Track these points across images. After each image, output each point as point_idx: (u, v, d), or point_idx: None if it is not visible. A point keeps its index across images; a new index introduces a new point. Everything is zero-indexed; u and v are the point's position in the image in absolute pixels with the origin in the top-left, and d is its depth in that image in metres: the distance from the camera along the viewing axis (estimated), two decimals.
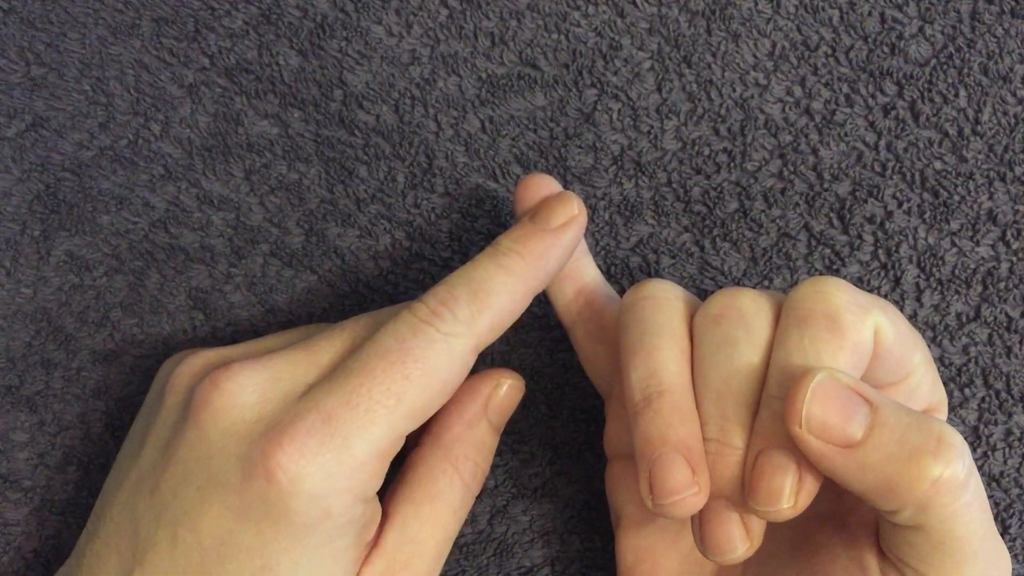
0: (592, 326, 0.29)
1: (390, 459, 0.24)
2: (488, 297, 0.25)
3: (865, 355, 0.23)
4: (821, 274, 0.31)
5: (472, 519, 0.31)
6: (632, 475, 0.28)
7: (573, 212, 0.26)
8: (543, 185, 0.27)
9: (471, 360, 0.25)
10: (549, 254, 0.26)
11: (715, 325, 0.24)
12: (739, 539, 0.22)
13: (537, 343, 0.32)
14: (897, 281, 0.31)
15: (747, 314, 0.23)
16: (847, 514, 0.25)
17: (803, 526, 0.26)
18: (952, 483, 0.20)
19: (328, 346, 0.25)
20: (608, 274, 0.32)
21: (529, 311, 0.32)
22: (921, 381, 0.25)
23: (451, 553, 0.31)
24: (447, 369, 0.24)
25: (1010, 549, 0.31)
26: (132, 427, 0.28)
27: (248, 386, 0.24)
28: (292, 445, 0.23)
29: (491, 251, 0.26)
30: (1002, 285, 0.31)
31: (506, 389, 0.28)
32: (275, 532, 0.23)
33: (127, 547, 0.24)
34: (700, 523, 0.23)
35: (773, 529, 0.26)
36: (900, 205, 0.31)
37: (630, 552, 0.27)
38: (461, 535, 0.31)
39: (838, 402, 0.21)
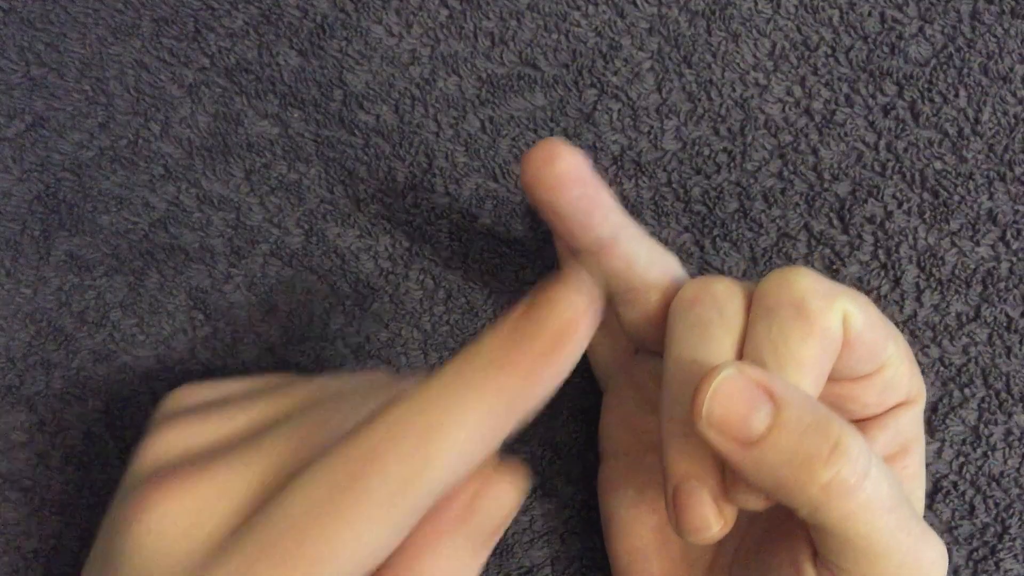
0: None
1: None
2: (445, 440, 0.18)
3: (834, 342, 0.22)
4: (821, 274, 0.31)
5: None
6: (625, 476, 0.28)
7: (575, 313, 0.20)
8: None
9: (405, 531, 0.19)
10: (541, 373, 0.19)
11: (689, 308, 0.23)
12: (713, 519, 0.22)
13: None
14: (897, 281, 0.31)
15: (720, 299, 0.23)
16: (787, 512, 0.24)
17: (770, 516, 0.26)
18: (841, 487, 0.20)
19: (286, 449, 0.21)
20: None
21: None
22: (897, 373, 0.24)
23: None
24: (365, 553, 0.19)
25: (1010, 549, 0.31)
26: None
27: (178, 512, 0.20)
28: None
29: (470, 356, 0.19)
30: (1002, 285, 0.31)
31: (498, 489, 0.21)
32: None
33: None
34: (674, 505, 0.22)
35: (746, 516, 0.26)
36: (900, 205, 0.31)
37: (623, 554, 0.27)
38: None
39: (740, 398, 0.20)
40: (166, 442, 0.23)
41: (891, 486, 0.21)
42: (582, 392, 0.31)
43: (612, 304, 0.26)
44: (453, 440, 0.18)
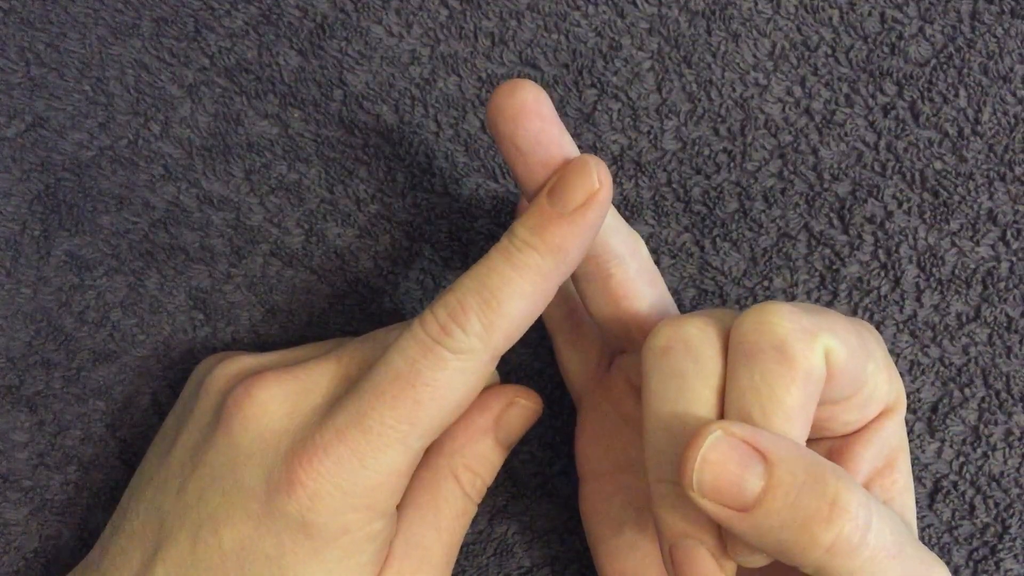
0: (571, 334, 0.29)
1: (409, 474, 0.24)
2: (501, 305, 0.23)
3: (818, 382, 0.22)
4: (821, 274, 0.31)
5: (472, 519, 0.31)
6: (606, 497, 0.27)
7: (593, 187, 0.23)
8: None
9: (487, 373, 0.24)
10: (569, 244, 0.23)
11: (662, 357, 0.23)
12: (713, 575, 0.22)
13: (537, 343, 0.32)
14: (897, 281, 0.31)
15: (695, 345, 0.22)
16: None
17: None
18: (845, 546, 0.20)
19: (357, 355, 0.25)
20: None
21: None
22: (876, 387, 0.24)
23: None
24: (460, 389, 0.24)
25: (1010, 549, 0.31)
26: (164, 425, 0.28)
27: (279, 396, 0.25)
28: (311, 464, 0.23)
29: (505, 246, 0.23)
30: (1002, 285, 0.31)
31: (519, 408, 0.27)
32: (294, 544, 0.23)
33: (150, 541, 0.25)
34: (672, 563, 0.22)
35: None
36: (900, 205, 0.31)
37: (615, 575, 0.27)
38: None
39: (730, 462, 0.20)
40: (238, 363, 0.27)
41: (893, 531, 0.20)
42: None
43: (577, 283, 0.26)
44: (510, 304, 0.23)
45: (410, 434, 0.23)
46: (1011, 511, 0.31)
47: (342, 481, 0.23)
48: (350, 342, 0.26)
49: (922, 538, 0.31)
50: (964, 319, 0.31)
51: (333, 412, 0.24)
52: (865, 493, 0.20)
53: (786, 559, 0.20)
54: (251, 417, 0.24)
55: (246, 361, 0.27)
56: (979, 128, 0.31)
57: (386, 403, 0.23)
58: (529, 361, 0.32)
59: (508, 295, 0.23)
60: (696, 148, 0.32)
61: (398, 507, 0.26)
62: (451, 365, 0.23)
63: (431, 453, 0.27)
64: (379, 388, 0.23)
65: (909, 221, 0.31)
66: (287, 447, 0.24)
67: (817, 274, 0.31)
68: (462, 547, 0.31)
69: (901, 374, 0.31)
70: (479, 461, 0.27)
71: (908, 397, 0.31)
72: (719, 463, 0.20)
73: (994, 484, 0.31)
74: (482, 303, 0.23)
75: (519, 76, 0.32)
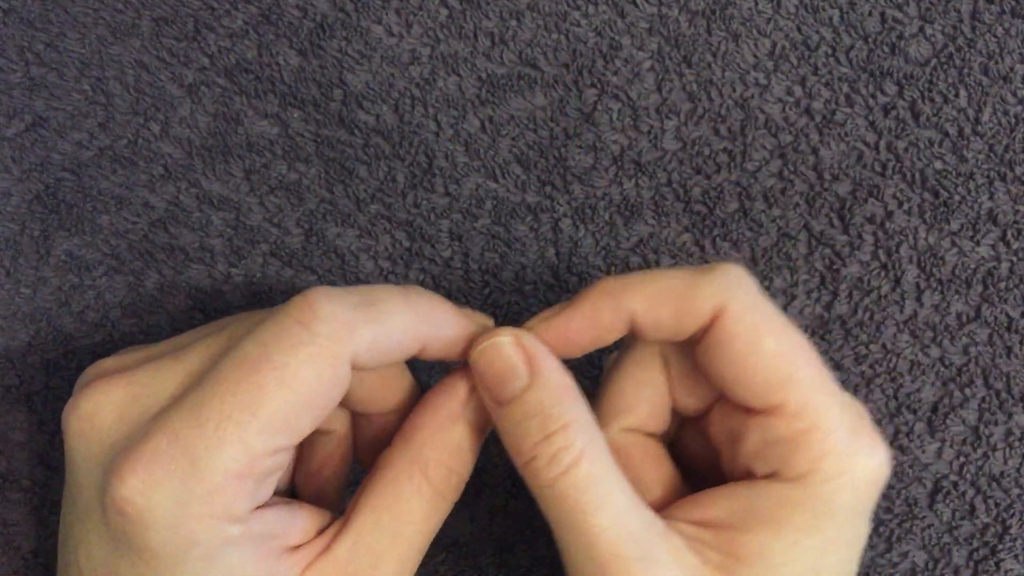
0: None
1: (262, 477, 0.22)
2: (379, 313, 0.23)
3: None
4: (821, 274, 0.31)
5: (472, 518, 0.31)
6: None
7: (488, 324, 0.25)
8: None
9: (344, 373, 0.22)
10: (453, 324, 0.24)
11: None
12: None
13: None
14: (897, 281, 0.31)
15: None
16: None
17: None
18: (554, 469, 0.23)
19: (201, 350, 0.23)
20: (608, 274, 0.32)
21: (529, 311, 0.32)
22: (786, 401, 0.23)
23: (451, 552, 0.31)
24: (312, 379, 0.21)
25: (1010, 549, 0.31)
26: None
27: (106, 405, 0.22)
28: (135, 476, 0.21)
29: (399, 286, 0.24)
30: (1002, 285, 0.31)
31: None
32: (146, 564, 0.21)
33: (62, 568, 0.24)
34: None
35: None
36: (900, 205, 0.31)
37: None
38: (460, 534, 0.31)
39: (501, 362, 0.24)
40: (96, 368, 0.25)
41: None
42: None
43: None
44: (388, 315, 0.23)
45: (250, 426, 0.21)
46: (1011, 511, 0.31)
47: (173, 490, 0.21)
48: (203, 332, 0.24)
49: (922, 538, 0.31)
50: (964, 319, 0.31)
51: (167, 413, 0.21)
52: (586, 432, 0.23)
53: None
54: (80, 432, 0.22)
55: (104, 364, 0.24)
56: (979, 128, 0.31)
57: (227, 389, 0.21)
58: None
59: (388, 308, 0.23)
60: (696, 148, 0.32)
61: (354, 508, 0.24)
62: (304, 351, 0.21)
63: (395, 451, 0.25)
64: (221, 375, 0.21)
65: (909, 221, 0.31)
66: (112, 461, 0.21)
67: (817, 274, 0.31)
68: (462, 546, 0.31)
69: (901, 374, 0.31)
70: (450, 452, 0.24)
71: (908, 397, 0.31)
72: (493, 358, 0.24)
73: (994, 484, 0.31)
74: (361, 301, 0.23)
75: (519, 76, 0.32)
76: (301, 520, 0.24)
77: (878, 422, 0.31)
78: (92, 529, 0.22)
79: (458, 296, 0.32)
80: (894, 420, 0.31)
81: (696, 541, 0.23)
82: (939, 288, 0.31)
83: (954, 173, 0.31)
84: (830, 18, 0.32)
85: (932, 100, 0.32)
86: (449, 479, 0.25)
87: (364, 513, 0.24)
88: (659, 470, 0.26)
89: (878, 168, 0.32)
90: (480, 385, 0.24)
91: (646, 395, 0.26)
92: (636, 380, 0.26)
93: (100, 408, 0.22)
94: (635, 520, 0.23)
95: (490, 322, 0.25)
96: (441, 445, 0.24)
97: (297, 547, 0.23)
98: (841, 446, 0.23)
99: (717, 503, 0.24)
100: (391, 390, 0.26)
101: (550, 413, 0.23)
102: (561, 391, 0.24)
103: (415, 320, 0.23)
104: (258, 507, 0.22)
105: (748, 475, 0.24)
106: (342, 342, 0.22)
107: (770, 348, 0.23)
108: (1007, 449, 0.31)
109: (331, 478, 0.27)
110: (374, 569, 0.24)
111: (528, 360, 0.24)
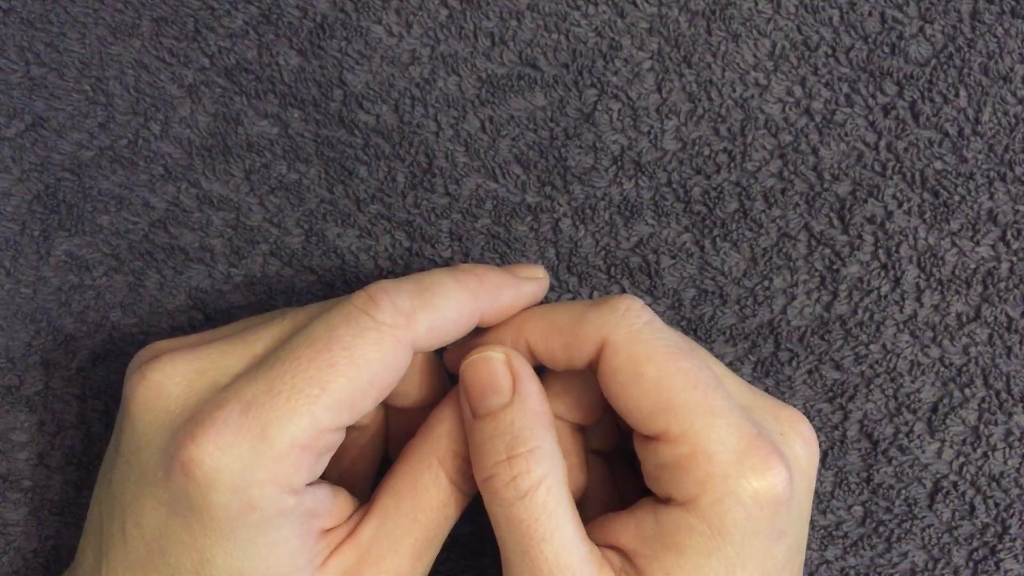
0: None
1: (321, 453, 0.23)
2: (434, 297, 0.24)
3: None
4: (821, 274, 0.31)
5: (472, 518, 0.31)
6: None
7: (539, 274, 0.27)
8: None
9: (406, 357, 0.24)
10: (504, 290, 0.26)
11: None
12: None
13: None
14: (897, 281, 0.31)
15: None
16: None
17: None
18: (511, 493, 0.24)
19: (265, 334, 0.24)
20: (608, 274, 0.32)
21: None
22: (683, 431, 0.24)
23: (451, 552, 0.31)
24: (377, 361, 0.23)
25: (1010, 549, 0.31)
26: None
27: (174, 377, 0.24)
28: (205, 437, 0.22)
29: (448, 267, 0.26)
30: (1002, 285, 0.31)
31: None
32: (202, 526, 0.22)
33: (96, 543, 0.25)
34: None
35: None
36: (900, 205, 0.31)
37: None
38: (461, 533, 0.31)
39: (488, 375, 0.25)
40: (152, 348, 0.26)
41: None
42: None
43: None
44: (442, 300, 0.25)
45: (319, 400, 0.22)
46: (1011, 511, 0.31)
47: (241, 454, 0.22)
48: (262, 320, 0.26)
49: (922, 538, 0.31)
50: (964, 319, 0.31)
51: (238, 384, 0.23)
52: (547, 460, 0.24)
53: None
54: (147, 400, 0.24)
55: (161, 345, 0.26)
56: (979, 128, 0.31)
57: (299, 366, 0.23)
58: None
59: (442, 292, 0.24)
60: (696, 148, 0.32)
61: (378, 493, 0.26)
62: (371, 334, 0.23)
63: (418, 438, 0.26)
64: (294, 353, 0.23)
65: (909, 221, 0.31)
66: (181, 426, 0.23)
67: (817, 274, 0.31)
68: (462, 545, 0.31)
69: (901, 374, 0.31)
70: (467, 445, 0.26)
71: (908, 397, 0.31)
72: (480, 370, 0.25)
73: (994, 484, 0.31)
74: (416, 290, 0.24)
75: (519, 76, 0.32)
76: (340, 503, 0.25)
77: (878, 422, 0.31)
78: (148, 494, 0.23)
79: None
80: (894, 420, 0.31)
81: (623, 573, 0.24)
82: (939, 288, 0.31)
83: (954, 173, 0.31)
84: (830, 18, 0.32)
85: (932, 100, 0.32)
86: (465, 472, 0.25)
87: (385, 498, 0.25)
88: (569, 459, 0.26)
89: (878, 168, 0.32)
90: (463, 394, 0.25)
91: (574, 386, 0.27)
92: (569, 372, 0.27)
93: (168, 378, 0.24)
94: (576, 554, 0.23)
95: (540, 270, 0.27)
96: (460, 438, 0.26)
97: (329, 530, 0.25)
98: (726, 467, 0.23)
99: (627, 528, 0.25)
100: (428, 385, 0.27)
101: (519, 435, 0.24)
102: (536, 417, 0.24)
103: (467, 299, 0.25)
104: (309, 484, 0.24)
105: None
106: (403, 328, 0.23)
107: (650, 376, 0.24)
108: (1007, 449, 0.31)
109: (362, 472, 0.28)
110: (392, 552, 0.25)
111: (514, 380, 0.25)
